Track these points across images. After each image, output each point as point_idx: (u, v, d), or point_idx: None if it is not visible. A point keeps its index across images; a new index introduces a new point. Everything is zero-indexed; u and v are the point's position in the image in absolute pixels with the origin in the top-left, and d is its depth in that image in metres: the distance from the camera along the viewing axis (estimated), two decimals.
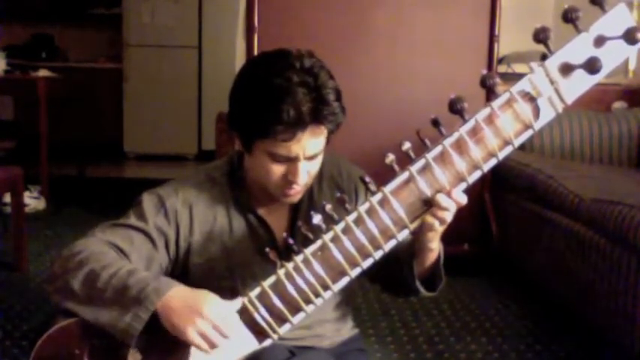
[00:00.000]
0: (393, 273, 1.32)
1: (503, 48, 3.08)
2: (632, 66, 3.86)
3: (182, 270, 1.33)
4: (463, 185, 1.12)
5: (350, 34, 2.90)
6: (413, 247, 1.26)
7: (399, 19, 2.91)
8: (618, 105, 3.56)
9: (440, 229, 1.16)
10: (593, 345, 2.29)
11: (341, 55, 2.85)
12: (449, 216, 1.13)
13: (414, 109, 2.84)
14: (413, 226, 1.13)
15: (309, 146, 1.20)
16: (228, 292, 1.16)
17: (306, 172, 1.24)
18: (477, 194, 2.95)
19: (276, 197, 1.29)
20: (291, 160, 1.21)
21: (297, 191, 1.27)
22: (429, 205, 1.12)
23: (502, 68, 3.57)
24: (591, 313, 2.23)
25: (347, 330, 1.44)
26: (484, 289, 2.88)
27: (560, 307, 2.56)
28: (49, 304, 1.24)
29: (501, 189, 3.01)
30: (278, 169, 1.23)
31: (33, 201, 4.08)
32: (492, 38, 2.90)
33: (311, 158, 1.23)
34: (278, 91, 1.16)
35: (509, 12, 3.13)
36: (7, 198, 3.33)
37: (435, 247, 1.23)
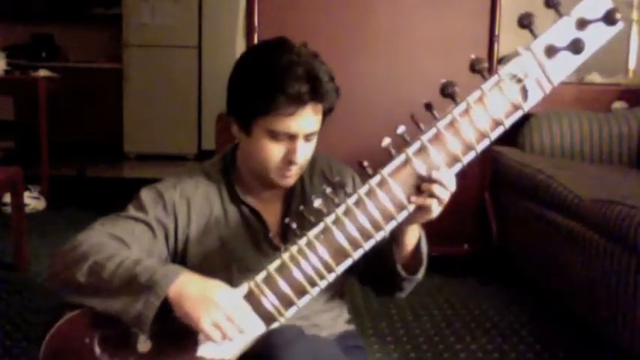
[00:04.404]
0: (378, 269, 1.33)
1: (503, 48, 3.07)
2: (632, 66, 3.87)
3: (180, 262, 1.35)
4: (458, 166, 1.15)
5: (350, 34, 2.90)
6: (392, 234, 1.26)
7: (399, 19, 2.91)
8: (618, 105, 3.56)
9: (436, 210, 1.16)
10: (593, 345, 2.29)
11: (341, 55, 2.85)
12: (444, 194, 1.14)
13: (413, 109, 2.82)
14: (412, 206, 1.16)
15: (308, 124, 1.25)
16: (224, 281, 1.17)
17: (304, 153, 1.28)
18: (477, 194, 2.95)
19: (272, 181, 1.32)
20: (291, 139, 1.26)
21: (293, 173, 1.31)
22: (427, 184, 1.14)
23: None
24: (591, 313, 2.23)
25: (342, 321, 1.46)
26: (484, 289, 2.87)
27: (561, 307, 2.56)
28: (49, 303, 1.24)
29: (501, 189, 3.01)
30: (278, 149, 1.27)
31: (33, 201, 4.08)
32: (492, 38, 2.89)
33: (308, 138, 1.28)
34: (280, 68, 1.22)
35: (509, 12, 3.12)
36: (7, 198, 3.33)
37: (417, 227, 1.25)
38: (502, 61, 3.60)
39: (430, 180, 1.13)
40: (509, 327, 2.48)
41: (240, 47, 2.92)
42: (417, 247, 1.29)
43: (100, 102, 6.30)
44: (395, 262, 1.28)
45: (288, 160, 1.27)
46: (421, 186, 1.14)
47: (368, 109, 2.91)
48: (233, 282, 1.20)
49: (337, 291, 1.44)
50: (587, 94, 3.53)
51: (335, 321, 1.43)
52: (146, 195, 1.35)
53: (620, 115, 3.28)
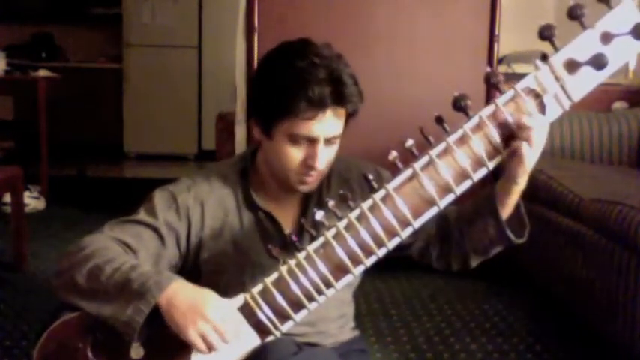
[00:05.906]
0: (452, 238, 1.35)
1: (503, 48, 3.07)
2: (632, 66, 3.86)
3: (193, 265, 1.34)
4: (468, 182, 1.11)
5: (350, 34, 2.90)
6: (487, 203, 1.28)
7: (399, 19, 2.91)
8: (618, 105, 3.56)
9: (530, 158, 1.13)
10: (593, 345, 2.29)
11: None
12: (535, 136, 1.08)
13: (414, 109, 2.84)
14: (417, 224, 1.12)
15: (329, 128, 1.23)
16: (237, 287, 1.17)
17: (325, 158, 1.25)
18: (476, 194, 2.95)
19: (292, 186, 1.30)
20: (311, 143, 1.23)
21: (314, 179, 1.28)
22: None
23: (502, 68, 3.57)
24: (591, 313, 2.23)
25: (349, 328, 1.45)
26: (484, 289, 2.87)
27: (561, 307, 2.56)
28: (49, 303, 1.24)
29: None
30: (298, 154, 1.25)
31: (33, 201, 4.08)
32: (492, 38, 2.89)
33: (329, 143, 1.25)
34: (301, 71, 1.20)
35: (509, 12, 3.13)
36: (7, 198, 3.33)
37: (522, 185, 1.25)
38: (502, 61, 3.61)
39: (520, 126, 1.07)
40: (509, 327, 2.48)
41: (240, 47, 2.92)
42: (518, 208, 1.28)
43: (100, 102, 6.30)
44: (503, 228, 1.28)
45: (307, 165, 1.25)
46: (514, 133, 1.09)
47: (368, 109, 2.88)
48: (246, 287, 1.19)
49: (347, 298, 1.43)
50: (588, 94, 3.52)
51: (342, 329, 1.42)
52: (159, 198, 1.32)
53: (620, 115, 3.28)
